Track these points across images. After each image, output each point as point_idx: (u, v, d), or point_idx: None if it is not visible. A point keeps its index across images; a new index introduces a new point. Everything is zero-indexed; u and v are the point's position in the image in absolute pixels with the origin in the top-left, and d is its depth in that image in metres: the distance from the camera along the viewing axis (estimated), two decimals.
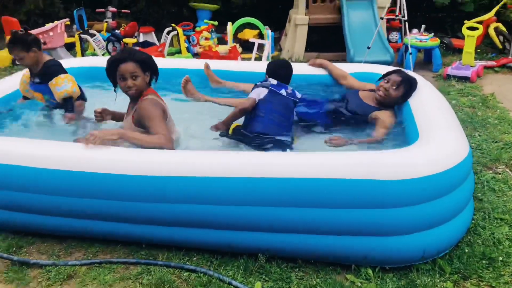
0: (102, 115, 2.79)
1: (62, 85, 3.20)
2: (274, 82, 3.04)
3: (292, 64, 3.28)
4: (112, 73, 2.55)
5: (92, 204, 2.18)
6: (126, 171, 2.11)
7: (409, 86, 3.06)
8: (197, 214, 2.12)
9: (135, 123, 2.57)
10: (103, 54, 6.50)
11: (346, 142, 2.87)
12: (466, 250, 2.26)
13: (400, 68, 3.28)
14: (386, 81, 3.09)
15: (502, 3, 6.41)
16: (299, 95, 3.08)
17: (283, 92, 3.00)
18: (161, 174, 2.09)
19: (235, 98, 3.33)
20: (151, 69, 2.61)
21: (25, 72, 3.39)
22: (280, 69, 3.17)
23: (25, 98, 3.47)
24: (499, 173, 3.08)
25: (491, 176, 3.03)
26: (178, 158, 2.19)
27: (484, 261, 2.20)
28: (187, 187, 2.08)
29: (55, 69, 3.25)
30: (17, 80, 3.47)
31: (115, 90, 2.66)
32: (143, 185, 2.10)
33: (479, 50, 6.39)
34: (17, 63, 3.20)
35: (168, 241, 2.28)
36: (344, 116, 3.17)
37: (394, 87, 3.04)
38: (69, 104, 3.25)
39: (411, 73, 3.34)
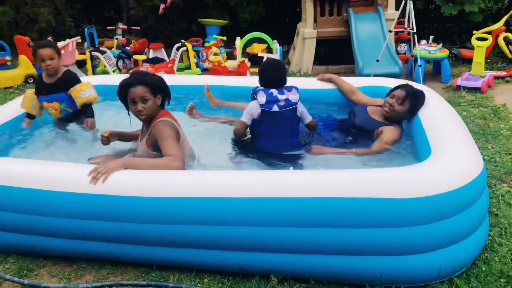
0: (109, 138, 2.77)
1: (87, 91, 3.38)
2: (263, 99, 2.84)
3: (301, 77, 3.25)
4: (123, 97, 2.54)
5: (102, 226, 2.17)
6: (136, 193, 2.11)
7: (415, 100, 3.03)
8: (208, 235, 2.10)
9: (150, 147, 2.55)
10: (113, 71, 6.59)
11: (321, 150, 2.90)
12: (483, 268, 2.21)
13: (406, 83, 3.26)
14: (391, 96, 3.09)
15: (510, 13, 6.39)
16: (295, 98, 2.89)
17: (275, 108, 2.84)
18: (171, 195, 2.09)
19: (234, 118, 3.38)
20: (162, 92, 2.58)
21: (28, 90, 3.49)
22: (266, 73, 2.94)
23: (29, 117, 3.52)
24: None
25: (506, 189, 2.97)
26: (188, 179, 2.18)
27: (502, 280, 2.14)
28: (198, 208, 2.07)
29: (76, 77, 3.46)
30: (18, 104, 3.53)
31: (128, 114, 2.65)
32: (154, 206, 2.09)
33: (488, 60, 6.35)
34: (47, 63, 3.24)
35: (179, 262, 2.26)
36: (351, 131, 3.17)
37: (399, 102, 3.03)
38: (89, 110, 3.42)
39: (419, 86, 3.32)
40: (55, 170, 2.28)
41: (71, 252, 2.37)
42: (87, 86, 3.39)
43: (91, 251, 2.32)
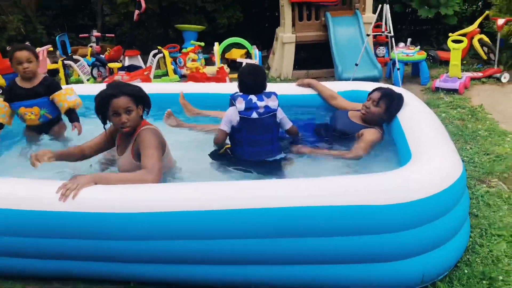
0: (38, 159, 2.44)
1: (73, 95, 3.39)
2: (242, 106, 2.79)
3: (281, 82, 3.22)
4: (103, 109, 2.41)
5: (74, 244, 2.07)
6: (107, 209, 2.02)
7: (390, 101, 3.07)
8: (185, 250, 2.03)
9: (135, 158, 2.44)
10: (88, 80, 6.43)
11: (302, 149, 2.96)
12: (466, 271, 2.20)
13: (383, 86, 3.29)
14: (368, 99, 3.14)
15: (484, 15, 6.52)
16: (275, 104, 2.84)
17: (254, 115, 2.80)
18: (145, 210, 2.00)
19: (213, 125, 3.32)
20: (143, 102, 2.50)
21: None
22: (245, 78, 2.87)
23: None
24: (493, 187, 3.04)
25: (485, 190, 2.99)
26: (162, 193, 2.10)
27: (484, 281, 2.13)
28: (173, 222, 1.99)
29: (58, 83, 3.47)
30: None
31: (104, 128, 2.55)
32: (127, 222, 2.00)
33: (465, 62, 6.45)
34: (24, 66, 3.19)
35: (157, 278, 2.17)
36: (333, 136, 3.16)
37: (374, 104, 3.08)
38: (75, 114, 3.39)
39: (397, 89, 3.34)
40: (22, 188, 2.17)
41: (42, 272, 2.24)
42: (73, 91, 3.41)
43: (64, 270, 2.21)
